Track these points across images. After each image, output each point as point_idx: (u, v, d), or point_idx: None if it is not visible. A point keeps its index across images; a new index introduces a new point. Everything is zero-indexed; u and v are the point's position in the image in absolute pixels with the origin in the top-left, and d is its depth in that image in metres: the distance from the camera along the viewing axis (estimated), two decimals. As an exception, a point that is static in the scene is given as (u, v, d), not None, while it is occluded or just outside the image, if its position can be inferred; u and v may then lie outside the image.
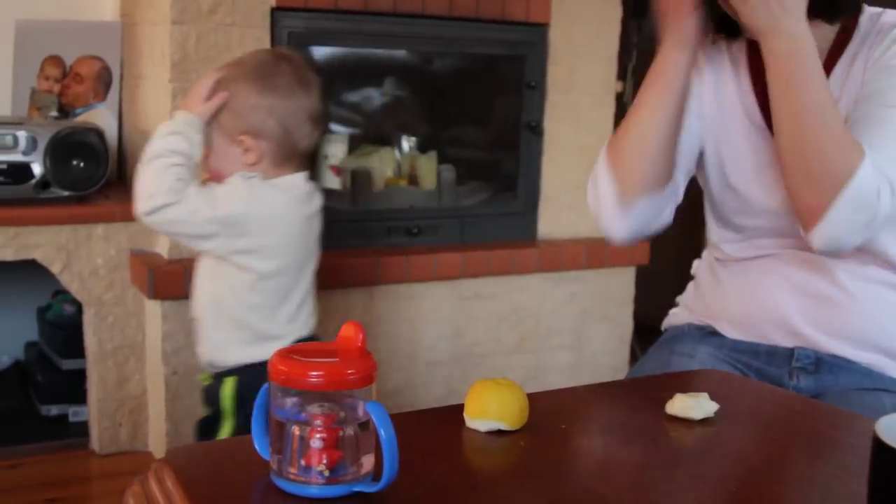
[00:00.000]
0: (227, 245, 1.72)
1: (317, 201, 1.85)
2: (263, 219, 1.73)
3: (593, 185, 1.61)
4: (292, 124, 1.75)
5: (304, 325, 1.83)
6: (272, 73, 1.76)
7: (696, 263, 1.80)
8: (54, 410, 2.83)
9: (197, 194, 1.70)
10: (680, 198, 1.64)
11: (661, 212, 1.60)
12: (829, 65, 1.50)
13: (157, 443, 2.62)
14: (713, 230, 1.72)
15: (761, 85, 1.52)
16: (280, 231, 1.75)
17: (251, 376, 1.71)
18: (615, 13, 3.09)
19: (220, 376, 1.76)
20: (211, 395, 1.78)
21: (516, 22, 2.92)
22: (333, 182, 2.91)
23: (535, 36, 2.96)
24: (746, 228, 1.62)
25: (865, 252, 1.49)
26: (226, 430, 1.76)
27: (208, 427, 1.77)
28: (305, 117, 1.77)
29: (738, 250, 1.64)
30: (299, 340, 1.79)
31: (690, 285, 1.79)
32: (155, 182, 1.69)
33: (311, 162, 1.89)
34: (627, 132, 1.56)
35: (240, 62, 1.82)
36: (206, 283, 1.79)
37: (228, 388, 1.74)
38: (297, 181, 1.80)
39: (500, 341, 2.95)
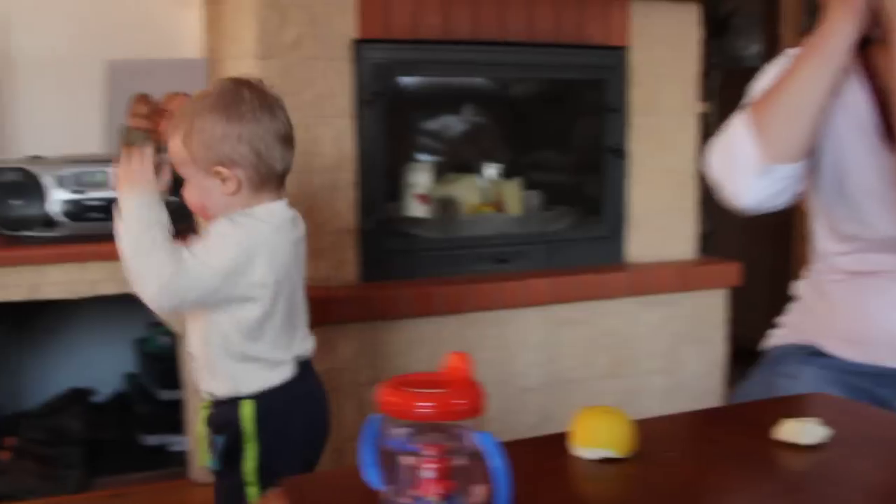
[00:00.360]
0: (232, 291, 1.69)
1: (301, 227, 1.83)
2: (257, 252, 1.70)
3: (724, 150, 1.61)
4: (263, 148, 1.72)
5: (301, 344, 1.83)
6: (235, 100, 1.73)
7: (797, 284, 1.76)
8: (153, 441, 2.87)
9: (191, 255, 1.67)
10: (803, 184, 1.63)
11: (793, 185, 1.60)
12: None
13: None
14: (822, 241, 1.68)
15: (881, 100, 1.50)
16: (272, 261, 1.71)
17: (268, 399, 1.73)
18: (695, 33, 3.06)
19: (234, 400, 1.74)
20: (223, 420, 1.76)
21: (595, 46, 2.92)
22: (420, 210, 2.92)
23: (614, 59, 2.95)
24: (859, 239, 1.59)
25: None
26: (251, 453, 1.74)
27: (231, 453, 1.75)
28: (275, 139, 1.74)
29: (849, 263, 1.61)
30: (302, 360, 1.81)
31: (793, 306, 1.76)
32: (153, 268, 1.65)
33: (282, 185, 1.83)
34: (781, 96, 1.55)
35: (200, 95, 1.77)
36: (210, 324, 1.74)
37: (248, 410, 1.73)
38: (278, 208, 1.77)
39: (592, 366, 2.93)
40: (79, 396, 2.99)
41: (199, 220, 1.85)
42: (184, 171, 1.73)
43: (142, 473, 2.69)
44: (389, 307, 2.62)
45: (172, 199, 1.77)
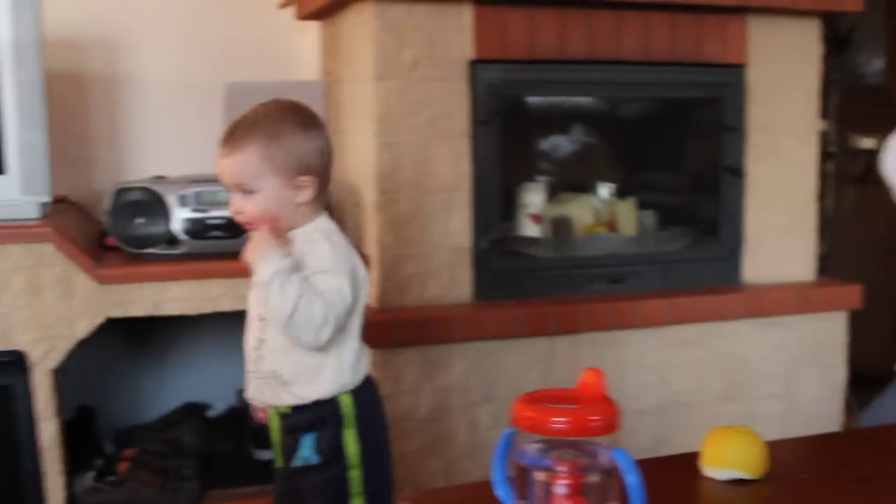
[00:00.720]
0: (357, 296, 1.81)
1: None
2: (351, 252, 1.84)
3: None
4: (329, 160, 1.84)
5: None
6: (310, 114, 1.84)
7: None
8: (267, 455, 2.90)
9: (324, 284, 1.75)
10: None
11: None
12: None
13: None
14: None
15: None
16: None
17: (360, 388, 1.84)
18: (815, 50, 3.00)
19: (329, 399, 1.82)
20: (315, 419, 1.83)
21: (713, 63, 2.88)
22: (533, 230, 2.92)
23: (732, 77, 2.91)
24: None
25: None
26: (351, 439, 1.83)
27: (330, 445, 1.83)
28: (331, 155, 1.86)
29: None
30: None
31: None
32: (307, 315, 1.72)
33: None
34: None
35: (273, 108, 1.83)
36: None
37: (347, 401, 1.82)
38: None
39: (707, 389, 2.88)
40: (194, 411, 3.05)
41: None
42: (254, 183, 1.77)
43: (255, 487, 2.73)
44: (503, 327, 2.62)
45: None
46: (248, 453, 2.89)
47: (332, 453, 1.82)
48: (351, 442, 1.83)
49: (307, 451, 1.84)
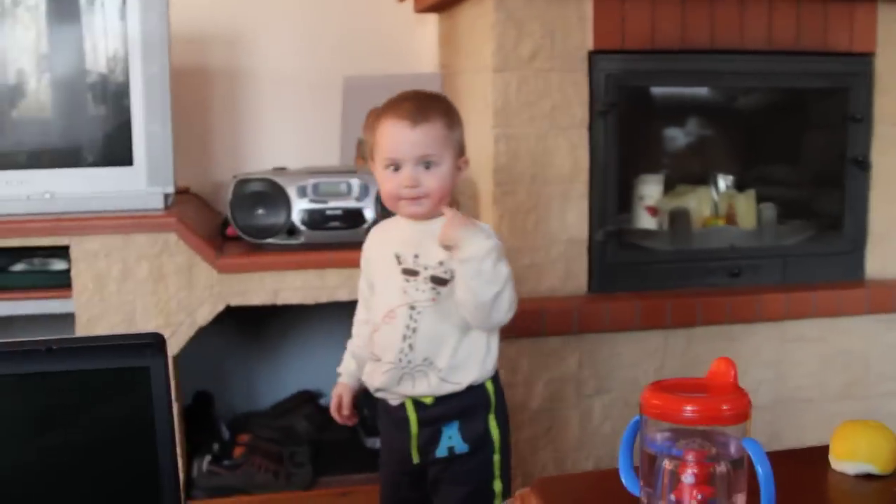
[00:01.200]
0: None
1: None
2: None
3: None
4: None
5: None
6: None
7: None
8: (378, 443, 2.94)
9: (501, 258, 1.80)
10: None
11: None
12: None
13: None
14: None
15: None
16: None
17: (496, 378, 1.90)
18: (948, 37, 2.91)
19: (472, 386, 1.86)
20: (459, 408, 1.86)
21: (839, 53, 2.81)
22: (650, 222, 2.89)
23: (859, 66, 2.84)
24: None
25: None
26: (494, 423, 1.88)
27: (480, 433, 1.87)
28: None
29: None
30: None
31: None
32: (509, 289, 1.79)
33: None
34: None
35: (436, 93, 1.93)
36: (451, 317, 1.83)
37: (491, 386, 1.88)
38: None
39: (826, 386, 2.82)
40: (308, 398, 3.09)
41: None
42: (438, 156, 1.81)
43: (366, 474, 2.76)
44: (617, 319, 2.61)
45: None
46: (359, 441, 2.93)
47: (480, 440, 1.86)
48: (494, 427, 1.87)
49: (454, 439, 1.87)
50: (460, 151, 1.86)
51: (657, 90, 3.04)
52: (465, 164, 1.88)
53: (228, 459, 2.67)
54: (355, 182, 2.58)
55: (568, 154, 2.63)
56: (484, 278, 1.74)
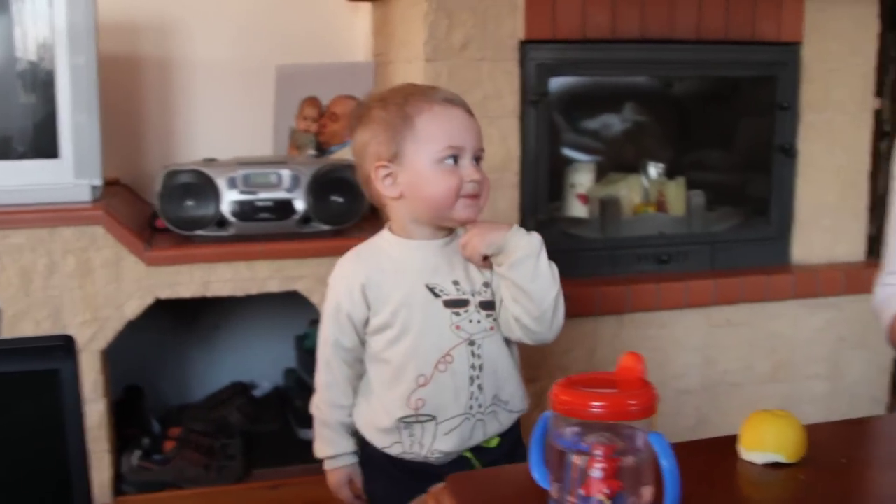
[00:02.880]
0: None
1: None
2: None
3: None
4: None
5: None
6: None
7: None
8: (311, 434, 2.92)
9: None
10: None
11: None
12: None
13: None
14: None
15: None
16: None
17: None
18: (872, 28, 2.95)
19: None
20: (517, 432, 1.70)
21: (767, 42, 2.85)
22: (581, 210, 2.91)
23: (786, 55, 2.88)
24: None
25: None
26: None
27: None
28: None
29: None
30: None
31: None
32: (562, 299, 1.62)
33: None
34: None
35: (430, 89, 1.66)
36: (505, 341, 1.65)
37: None
38: None
39: (753, 370, 2.87)
40: (240, 390, 3.08)
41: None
42: (483, 151, 1.63)
43: (299, 466, 2.75)
44: (549, 307, 2.62)
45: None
46: (293, 432, 2.93)
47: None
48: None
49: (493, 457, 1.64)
50: None
51: (589, 79, 3.06)
52: None
53: (159, 454, 2.65)
54: (286, 173, 2.57)
55: (499, 143, 2.64)
56: (543, 279, 1.56)
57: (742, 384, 2.85)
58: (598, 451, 0.95)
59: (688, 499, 0.96)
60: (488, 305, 1.60)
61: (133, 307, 2.42)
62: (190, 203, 2.52)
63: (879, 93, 3.10)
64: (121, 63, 3.02)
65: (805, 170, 2.92)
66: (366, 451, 1.66)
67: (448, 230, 1.62)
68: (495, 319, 1.60)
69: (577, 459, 0.95)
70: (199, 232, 2.52)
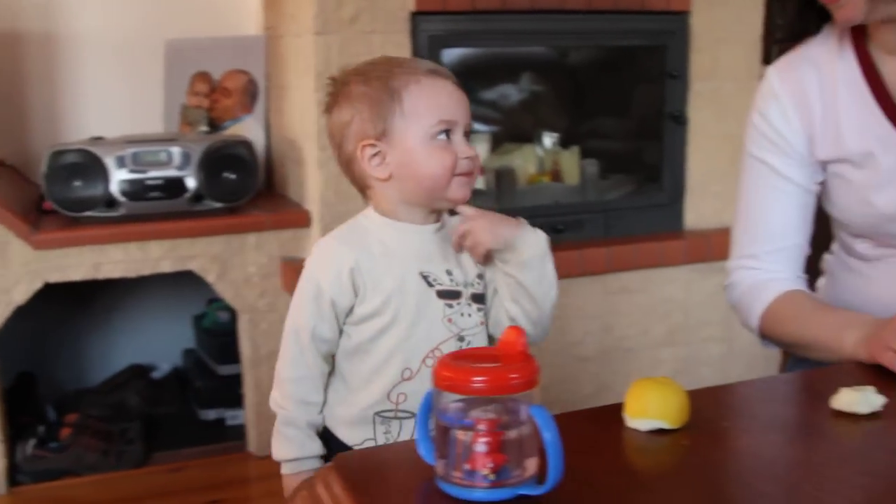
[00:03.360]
0: None
1: None
2: None
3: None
4: None
5: None
6: None
7: (826, 259, 1.73)
8: (212, 415, 2.92)
9: None
10: None
11: None
12: None
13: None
14: (840, 231, 1.65)
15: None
16: None
17: None
18: (758, -5, 3.01)
19: None
20: None
21: (656, 11, 2.88)
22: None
23: (675, 24, 2.92)
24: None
25: None
26: None
27: None
28: None
29: (870, 249, 1.58)
30: None
31: (822, 282, 1.73)
32: None
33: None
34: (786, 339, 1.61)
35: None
36: (488, 343, 1.51)
37: None
38: None
39: (649, 335, 2.92)
40: (139, 373, 3.05)
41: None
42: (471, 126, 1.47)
43: (200, 447, 2.74)
44: (447, 279, 2.63)
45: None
46: (193, 413, 2.90)
47: None
48: None
49: None
50: None
51: (483, 50, 3.06)
52: None
53: (55, 441, 2.61)
54: (176, 150, 2.53)
55: (391, 117, 2.62)
56: (547, 282, 1.44)
57: (639, 349, 2.90)
58: (482, 426, 0.96)
59: (573, 467, 0.97)
60: (479, 299, 1.47)
61: (21, 292, 2.37)
62: (77, 183, 2.47)
63: (766, 60, 3.16)
64: (2, 40, 2.93)
65: (695, 137, 2.97)
66: (329, 446, 1.51)
67: (438, 213, 1.47)
68: (485, 314, 1.48)
69: (461, 435, 0.96)
70: (88, 213, 2.48)
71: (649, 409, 1.13)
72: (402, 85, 1.40)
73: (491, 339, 1.49)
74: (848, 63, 1.51)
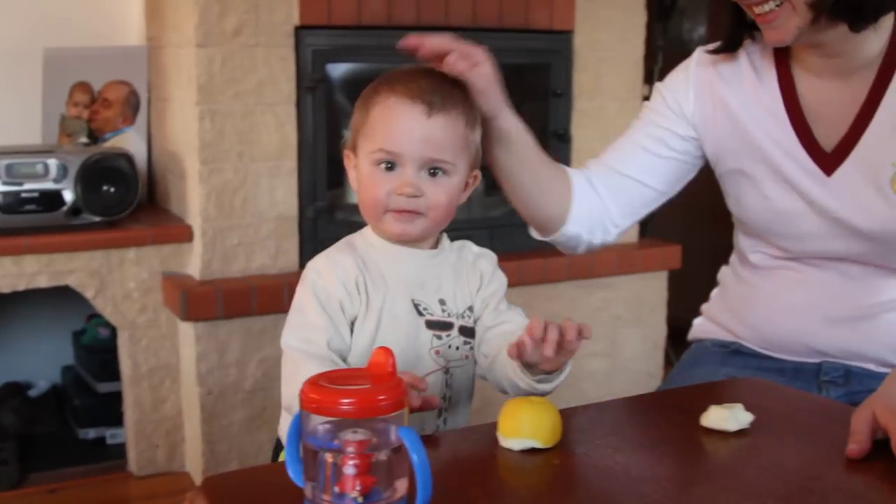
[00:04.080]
0: None
1: None
2: None
3: None
4: None
5: None
6: None
7: (722, 270, 1.77)
8: (92, 434, 2.85)
9: None
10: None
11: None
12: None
13: (193, 463, 2.63)
14: (739, 237, 1.69)
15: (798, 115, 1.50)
16: None
17: None
18: (639, 17, 3.08)
19: None
20: None
21: (540, 30, 2.92)
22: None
23: (559, 43, 2.96)
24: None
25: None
26: None
27: None
28: None
29: (764, 260, 1.62)
30: None
31: (715, 293, 1.77)
32: None
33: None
34: None
35: (458, 88, 1.39)
36: (472, 379, 1.50)
37: None
38: None
39: (534, 351, 2.94)
40: (14, 390, 2.96)
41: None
42: (451, 161, 1.31)
43: (79, 467, 2.68)
44: (332, 295, 2.62)
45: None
46: (72, 432, 2.83)
47: None
48: None
49: None
50: (475, 162, 1.37)
51: (370, 65, 3.05)
52: (475, 181, 1.39)
53: (-77, 463, 2.52)
54: (53, 162, 2.48)
55: (275, 130, 2.61)
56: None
57: (523, 365, 2.92)
58: (351, 448, 0.95)
59: (445, 488, 0.97)
60: (468, 332, 1.39)
61: None
62: (-52, 196, 2.39)
63: (648, 80, 3.23)
64: None
65: (578, 155, 3.01)
66: None
67: (434, 238, 1.40)
68: (471, 348, 1.40)
69: (329, 457, 0.95)
70: (-40, 226, 2.40)
71: (522, 429, 1.14)
72: (376, 101, 1.32)
73: (473, 375, 1.44)
74: (767, 80, 1.54)
